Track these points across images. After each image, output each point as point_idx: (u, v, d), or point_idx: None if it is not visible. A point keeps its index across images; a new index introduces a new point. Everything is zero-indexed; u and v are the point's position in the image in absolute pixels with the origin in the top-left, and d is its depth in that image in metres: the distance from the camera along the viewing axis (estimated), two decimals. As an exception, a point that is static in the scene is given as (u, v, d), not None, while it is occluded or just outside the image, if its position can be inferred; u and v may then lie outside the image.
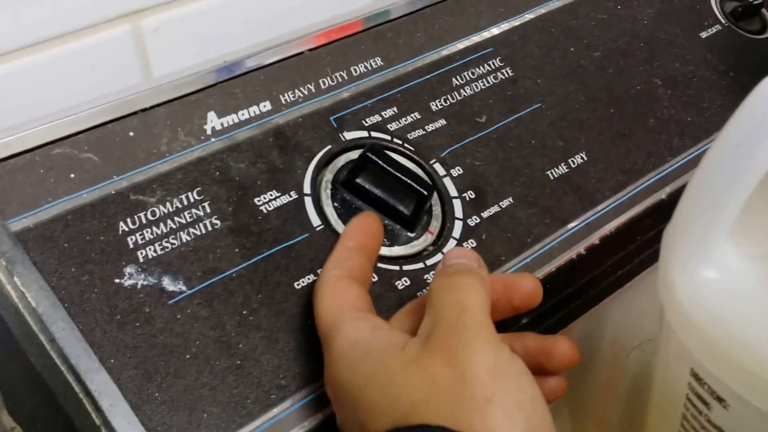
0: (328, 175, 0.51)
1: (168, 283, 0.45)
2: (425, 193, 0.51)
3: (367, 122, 0.54)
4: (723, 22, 0.71)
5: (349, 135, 0.53)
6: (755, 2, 0.74)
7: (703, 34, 0.70)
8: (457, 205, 0.53)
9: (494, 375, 0.39)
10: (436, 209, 0.53)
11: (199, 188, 0.48)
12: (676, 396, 0.44)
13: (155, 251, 0.46)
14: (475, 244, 0.52)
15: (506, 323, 0.52)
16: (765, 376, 0.38)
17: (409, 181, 0.51)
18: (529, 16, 0.64)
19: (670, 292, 0.42)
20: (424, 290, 0.50)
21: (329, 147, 0.52)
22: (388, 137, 0.54)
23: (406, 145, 0.54)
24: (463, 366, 0.39)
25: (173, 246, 0.46)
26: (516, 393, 0.39)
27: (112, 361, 0.42)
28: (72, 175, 0.46)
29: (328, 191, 0.51)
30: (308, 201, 0.50)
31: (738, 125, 0.39)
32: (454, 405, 0.38)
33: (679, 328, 0.42)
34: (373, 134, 0.54)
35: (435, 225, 0.52)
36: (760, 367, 0.38)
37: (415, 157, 0.54)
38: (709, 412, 0.42)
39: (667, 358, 0.46)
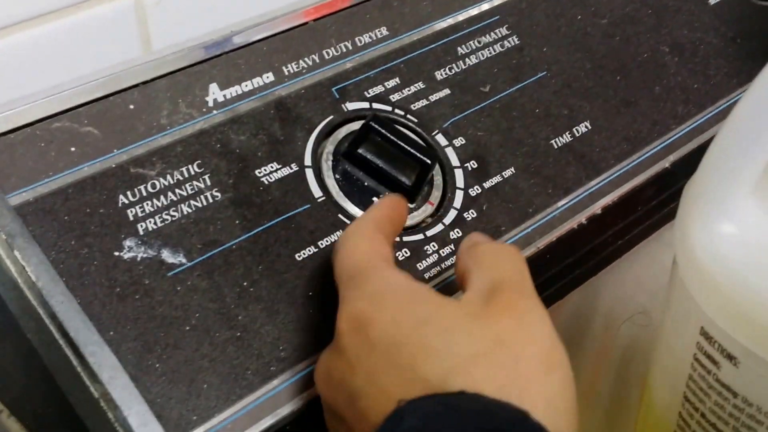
0: (330, 147, 0.50)
1: (168, 256, 0.44)
2: (428, 162, 0.49)
3: (369, 93, 0.53)
4: (733, -13, 0.69)
5: (351, 106, 0.52)
6: (765, -32, 0.72)
7: (712, 1, 0.68)
8: (459, 175, 0.52)
9: (556, 347, 0.38)
10: (437, 179, 0.52)
11: (199, 161, 0.47)
12: (683, 357, 0.43)
13: (155, 224, 0.45)
14: (475, 215, 0.51)
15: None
16: None
17: (412, 151, 0.50)
18: (535, -16, 0.63)
19: (686, 247, 0.41)
20: (425, 261, 0.49)
21: (331, 118, 0.51)
22: (390, 108, 0.53)
23: (408, 115, 0.53)
24: (532, 332, 0.38)
25: (173, 218, 0.45)
26: (567, 369, 0.38)
27: (111, 333, 0.42)
28: (72, 149, 0.45)
29: (330, 162, 0.50)
30: (309, 172, 0.49)
31: (763, 84, 0.38)
32: (517, 366, 0.37)
33: (692, 285, 0.41)
34: (375, 105, 0.53)
35: (436, 195, 0.51)
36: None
37: (416, 128, 0.53)
38: (718, 371, 0.41)
39: (675, 318, 0.44)
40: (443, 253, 0.50)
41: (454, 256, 0.49)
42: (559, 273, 0.54)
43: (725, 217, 0.39)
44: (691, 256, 0.40)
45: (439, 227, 0.50)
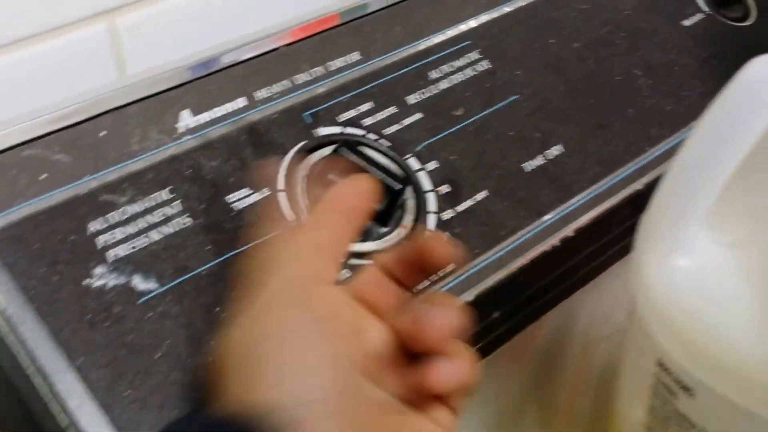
0: (302, 171, 0.51)
1: (138, 282, 0.45)
2: (398, 187, 0.50)
3: (341, 117, 0.54)
4: (705, 10, 0.70)
5: (324, 131, 0.53)
6: (739, -11, 0.72)
7: (685, 23, 0.69)
8: (432, 198, 0.53)
9: None
10: (410, 203, 0.52)
11: (170, 187, 0.48)
12: (643, 386, 0.44)
13: (125, 250, 0.45)
14: (449, 238, 0.52)
15: (478, 317, 0.51)
16: (730, 364, 0.38)
17: (382, 176, 0.50)
18: (509, 8, 0.63)
19: (641, 280, 0.42)
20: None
21: (303, 143, 0.52)
22: (362, 132, 0.53)
23: (380, 139, 0.54)
24: None
25: (143, 245, 0.46)
26: None
27: (80, 360, 0.42)
28: (43, 176, 0.46)
29: (303, 186, 0.50)
30: (281, 197, 0.49)
31: (717, 114, 0.38)
32: None
33: (648, 317, 0.41)
34: (348, 129, 0.53)
35: (409, 219, 0.51)
36: (725, 355, 0.38)
37: (389, 152, 0.53)
38: (675, 401, 0.42)
39: (635, 348, 0.45)
40: (415, 277, 0.50)
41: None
42: (533, 295, 0.54)
43: (678, 249, 0.39)
44: (645, 288, 0.40)
45: (412, 251, 0.51)
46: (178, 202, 0.47)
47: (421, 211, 0.52)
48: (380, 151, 0.53)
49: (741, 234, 0.39)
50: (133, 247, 0.45)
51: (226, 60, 0.53)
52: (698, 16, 0.69)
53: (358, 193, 0.45)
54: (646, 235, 0.41)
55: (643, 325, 0.41)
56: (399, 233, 0.51)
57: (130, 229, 0.46)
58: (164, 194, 0.47)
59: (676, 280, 0.39)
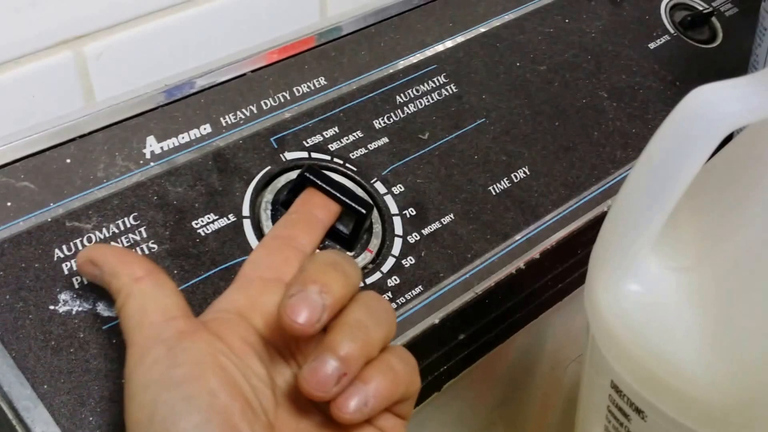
0: (268, 196, 0.52)
1: (103, 309, 0.45)
2: (363, 212, 0.51)
3: (308, 142, 0.54)
4: (672, 32, 0.72)
5: (290, 155, 0.53)
6: (705, 11, 0.74)
7: (652, 45, 0.70)
8: (398, 222, 0.54)
9: None
10: (377, 227, 0.53)
11: (135, 213, 0.48)
12: (600, 407, 0.45)
13: (90, 277, 0.46)
14: (413, 261, 0.53)
15: (444, 339, 0.52)
16: (680, 388, 0.39)
17: (347, 201, 0.51)
18: (475, 32, 0.64)
19: (593, 305, 0.43)
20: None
21: (269, 168, 0.52)
22: (329, 157, 0.54)
23: (347, 164, 0.54)
24: None
25: (108, 273, 0.46)
26: None
27: (45, 387, 0.42)
28: (8, 204, 0.46)
29: (268, 212, 0.51)
30: (247, 223, 0.50)
31: (660, 142, 0.39)
32: None
33: (600, 341, 0.42)
34: (314, 154, 0.54)
35: (375, 243, 0.52)
36: (675, 378, 0.39)
37: (355, 176, 0.54)
38: (629, 423, 0.43)
39: (590, 370, 0.46)
40: (381, 300, 0.51)
41: (393, 303, 0.51)
42: (499, 317, 0.55)
43: (628, 274, 0.40)
44: (597, 313, 0.41)
45: (377, 275, 0.51)
46: (143, 228, 0.48)
47: (387, 235, 0.53)
48: (346, 176, 0.54)
49: (690, 259, 0.40)
50: (99, 274, 0.46)
51: (193, 86, 0.54)
52: (664, 39, 0.71)
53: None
54: (598, 261, 0.42)
55: (596, 348, 0.42)
56: (365, 257, 0.52)
57: (95, 255, 0.46)
58: (129, 221, 0.48)
59: (627, 305, 0.40)
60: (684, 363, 0.38)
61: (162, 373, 0.38)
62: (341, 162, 0.54)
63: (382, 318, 0.42)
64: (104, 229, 0.47)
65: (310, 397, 0.39)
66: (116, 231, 0.48)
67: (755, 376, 0.37)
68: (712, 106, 0.35)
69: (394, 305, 0.51)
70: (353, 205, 0.50)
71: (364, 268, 0.51)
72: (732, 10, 0.77)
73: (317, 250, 0.44)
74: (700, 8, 0.74)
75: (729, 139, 0.41)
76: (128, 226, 0.48)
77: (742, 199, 0.39)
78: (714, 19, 0.75)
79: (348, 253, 0.51)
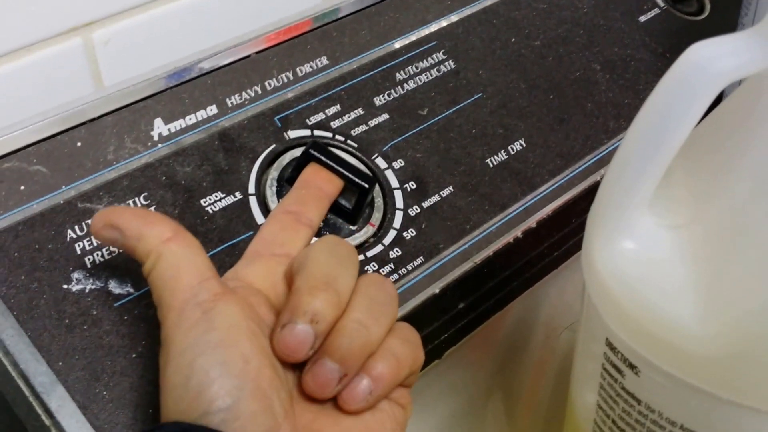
0: (273, 174, 0.50)
1: (115, 286, 0.44)
2: (366, 186, 0.49)
3: (310, 121, 0.53)
4: (661, 5, 0.69)
5: (293, 134, 0.52)
6: (694, -16, 0.72)
7: (642, 18, 0.68)
8: (398, 196, 0.52)
9: None
10: (378, 201, 0.51)
11: (145, 193, 0.47)
12: (594, 367, 0.43)
13: (102, 256, 0.45)
14: (414, 233, 0.51)
15: (444, 308, 0.51)
16: (673, 342, 0.37)
17: (350, 176, 0.49)
18: (472, 10, 0.62)
19: (589, 264, 0.42)
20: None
21: (273, 146, 0.51)
22: (331, 134, 0.53)
23: (348, 141, 0.53)
24: None
25: (120, 250, 0.45)
26: None
27: (60, 364, 0.41)
28: (22, 188, 0.45)
29: (273, 189, 0.50)
30: (252, 200, 0.49)
31: (659, 96, 0.38)
32: None
33: (596, 299, 0.41)
34: (317, 132, 0.53)
35: (377, 217, 0.51)
36: (668, 333, 0.38)
37: (356, 152, 0.53)
38: (623, 379, 0.42)
39: (586, 329, 0.45)
40: (383, 272, 0.49)
41: (395, 274, 0.49)
42: (497, 285, 0.54)
43: (624, 232, 0.39)
44: (593, 271, 0.40)
45: (379, 248, 0.50)
46: (152, 207, 0.47)
47: (388, 208, 0.52)
48: (348, 152, 0.53)
49: (684, 216, 0.39)
50: (111, 253, 0.45)
51: (198, 69, 0.52)
52: (654, 12, 0.69)
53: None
54: (594, 220, 0.41)
55: (592, 307, 0.41)
56: (367, 231, 0.50)
57: (107, 235, 0.45)
58: (139, 200, 0.47)
59: (622, 263, 0.39)
60: (677, 318, 0.37)
61: (198, 337, 0.37)
62: (343, 139, 0.53)
63: (383, 310, 0.40)
64: (115, 210, 0.46)
65: (314, 396, 0.38)
66: (126, 211, 0.46)
67: (745, 329, 0.36)
68: (709, 60, 0.34)
69: (395, 276, 0.49)
70: (356, 179, 0.49)
71: (365, 241, 0.50)
72: (720, -19, 0.75)
73: (313, 247, 0.42)
74: (689, -19, 0.72)
75: (720, 101, 0.39)
76: (138, 205, 0.47)
77: (732, 157, 0.38)
78: (703, -9, 0.73)
79: (351, 227, 0.50)
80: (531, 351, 0.61)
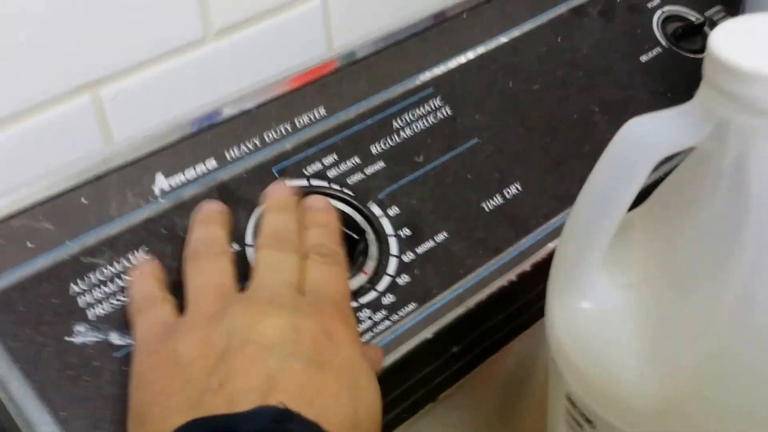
0: (267, 225, 0.52)
1: (115, 338, 0.47)
2: (355, 237, 0.51)
3: (307, 170, 0.55)
4: (663, 44, 0.71)
5: (290, 184, 0.54)
6: (697, 22, 0.73)
7: (643, 58, 0.69)
8: (393, 242, 0.54)
9: None
10: (373, 249, 0.53)
11: (146, 247, 0.50)
12: (560, 417, 0.45)
13: (104, 309, 0.47)
14: (408, 279, 0.53)
15: (437, 352, 0.53)
16: (620, 398, 0.39)
17: (341, 227, 0.52)
18: (470, 56, 0.64)
19: (549, 322, 0.43)
20: (359, 326, 0.51)
21: (268, 198, 0.53)
22: (327, 183, 0.55)
23: (344, 189, 0.55)
24: None
25: (121, 302, 0.48)
26: None
27: (63, 413, 0.44)
28: (29, 244, 0.48)
29: (268, 239, 0.52)
30: (250, 251, 0.51)
31: (600, 169, 0.40)
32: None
33: (556, 356, 0.43)
34: (314, 181, 0.55)
35: (370, 265, 0.53)
36: (616, 389, 0.39)
37: (352, 200, 0.55)
38: None
39: (550, 384, 0.46)
40: (376, 318, 0.51)
41: (387, 320, 0.51)
42: (492, 328, 0.55)
43: (579, 293, 0.40)
44: (552, 329, 0.42)
45: (373, 294, 0.52)
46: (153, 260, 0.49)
47: (383, 255, 0.53)
48: (344, 200, 0.55)
49: (637, 276, 0.40)
50: (112, 305, 0.47)
51: (197, 125, 0.55)
52: (656, 51, 0.70)
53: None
54: (552, 281, 0.42)
55: (553, 363, 0.42)
56: (360, 279, 0.52)
57: (108, 288, 0.48)
58: (140, 254, 0.49)
59: (578, 322, 0.40)
60: (624, 375, 0.38)
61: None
62: (339, 188, 0.55)
63: None
64: (116, 263, 0.49)
65: None
66: (128, 264, 0.49)
67: (682, 388, 0.37)
68: (642, 137, 0.37)
69: (388, 322, 0.51)
70: (346, 231, 0.51)
71: (359, 289, 0.52)
72: (725, 18, 0.76)
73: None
74: (693, 19, 0.73)
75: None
76: (140, 259, 0.49)
77: (680, 220, 0.39)
78: (706, 28, 0.74)
79: (346, 274, 0.52)
80: (533, 391, 0.62)
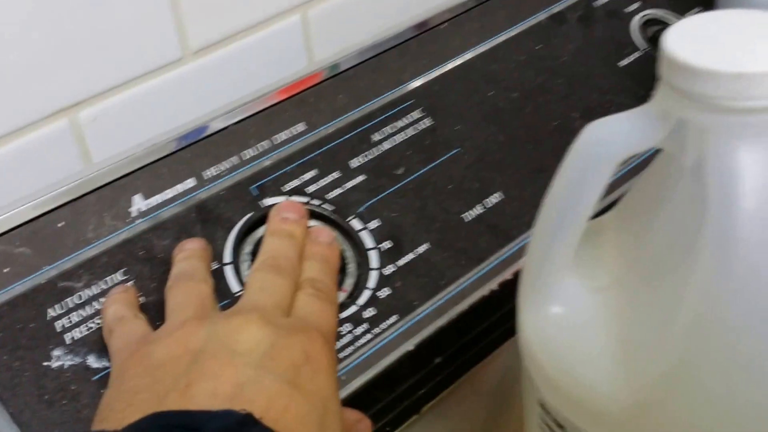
0: (249, 242, 0.52)
1: (93, 361, 0.46)
2: (334, 254, 0.51)
3: (286, 187, 0.54)
4: (643, 48, 0.70)
5: (269, 201, 0.53)
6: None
7: (623, 63, 0.68)
8: (374, 256, 0.53)
9: None
10: (351, 267, 0.52)
11: (124, 269, 0.49)
12: (534, 422, 0.44)
13: (81, 332, 0.47)
14: (390, 292, 0.52)
15: (419, 364, 0.52)
16: (594, 405, 0.38)
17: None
18: (449, 66, 0.64)
19: (519, 327, 0.42)
20: (340, 341, 0.50)
21: (250, 215, 0.53)
22: (307, 199, 0.54)
23: (324, 204, 0.54)
24: None
25: (98, 326, 0.47)
26: None
27: (40, 439, 0.43)
28: (6, 270, 0.47)
29: (249, 256, 0.51)
30: (228, 269, 0.50)
31: (561, 174, 0.39)
32: None
33: (527, 362, 0.42)
34: (293, 198, 0.54)
35: (349, 282, 0.52)
36: (589, 396, 0.38)
37: (331, 216, 0.54)
38: None
39: (524, 390, 0.45)
40: (357, 332, 0.50)
41: (369, 333, 0.50)
42: (475, 338, 0.54)
43: (548, 298, 0.39)
44: (523, 335, 0.41)
45: (353, 308, 0.51)
46: (131, 282, 0.49)
47: (363, 269, 0.53)
48: (323, 217, 0.54)
49: (608, 278, 0.39)
50: (89, 329, 0.47)
51: (176, 144, 0.55)
52: (635, 55, 0.69)
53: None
54: (523, 286, 0.41)
55: (526, 370, 0.42)
56: (339, 296, 0.51)
57: (85, 312, 0.47)
58: (118, 276, 0.49)
59: (548, 327, 0.40)
60: (593, 379, 0.37)
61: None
62: (318, 203, 0.54)
63: None
64: (94, 287, 0.48)
65: None
66: (105, 287, 0.48)
67: (649, 394, 0.36)
68: (602, 140, 0.36)
69: (369, 335, 0.50)
70: (324, 246, 0.50)
71: (340, 304, 0.51)
72: (706, 19, 0.74)
73: None
74: (672, 22, 0.72)
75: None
76: (117, 281, 0.49)
77: (646, 223, 0.39)
78: (687, 30, 0.73)
79: (326, 289, 0.51)
80: (516, 401, 0.61)
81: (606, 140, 0.36)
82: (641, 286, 0.37)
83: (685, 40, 0.34)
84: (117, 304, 0.47)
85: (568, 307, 0.39)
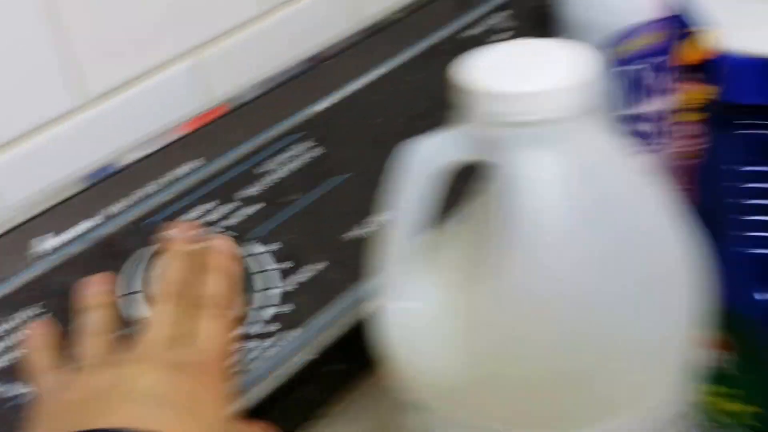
0: (153, 269, 0.55)
1: (3, 391, 0.49)
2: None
3: (188, 218, 0.58)
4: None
5: (171, 232, 0.57)
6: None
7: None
8: (277, 276, 0.57)
9: None
10: (257, 284, 0.56)
11: (41, 302, 0.52)
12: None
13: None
14: (293, 307, 0.56)
15: (323, 371, 0.55)
16: (442, 383, 0.42)
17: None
18: (337, 97, 0.68)
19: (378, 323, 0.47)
20: (249, 355, 0.53)
21: (153, 246, 0.56)
22: (208, 227, 0.58)
23: (225, 233, 0.58)
24: None
25: (16, 357, 0.50)
26: None
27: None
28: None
29: (154, 281, 0.54)
30: (136, 297, 0.54)
31: (394, 188, 0.43)
32: None
33: (384, 357, 0.46)
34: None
35: (255, 299, 0.56)
36: (439, 380, 0.42)
37: (234, 241, 0.57)
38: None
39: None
40: (265, 344, 0.54)
41: (276, 346, 0.54)
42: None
43: (401, 295, 0.44)
44: (379, 330, 0.45)
45: (260, 325, 0.55)
46: (48, 315, 0.52)
47: (268, 289, 0.56)
48: (225, 242, 0.57)
49: (453, 277, 0.44)
50: (7, 360, 0.50)
51: (82, 184, 0.58)
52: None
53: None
54: (378, 281, 0.46)
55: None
56: (245, 313, 0.55)
57: (3, 345, 0.50)
58: (34, 310, 0.52)
59: (399, 323, 0.44)
60: (446, 368, 0.42)
61: None
62: (220, 231, 0.58)
63: None
64: (10, 322, 0.51)
65: None
66: (21, 321, 0.51)
67: (479, 367, 0.41)
68: (421, 157, 0.41)
69: (276, 348, 0.54)
70: (227, 269, 0.54)
71: (247, 323, 0.55)
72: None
73: None
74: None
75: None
76: (34, 314, 0.52)
77: (475, 226, 0.43)
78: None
79: (232, 309, 0.55)
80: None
81: (419, 156, 0.41)
82: (472, 281, 0.42)
83: (473, 68, 0.39)
84: (36, 351, 0.50)
85: (417, 302, 0.44)
